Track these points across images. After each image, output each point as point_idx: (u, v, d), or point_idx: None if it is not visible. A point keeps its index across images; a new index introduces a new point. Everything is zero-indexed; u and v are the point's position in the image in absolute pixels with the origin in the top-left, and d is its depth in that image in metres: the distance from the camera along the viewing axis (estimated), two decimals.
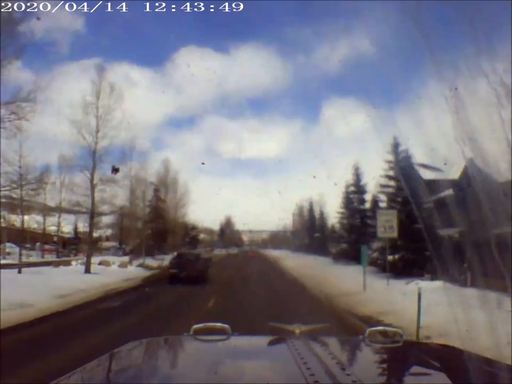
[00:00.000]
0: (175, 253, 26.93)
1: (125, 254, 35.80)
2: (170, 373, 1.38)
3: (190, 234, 61.00)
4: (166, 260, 33.42)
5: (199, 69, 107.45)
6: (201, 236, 76.69)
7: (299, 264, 33.35)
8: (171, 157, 76.56)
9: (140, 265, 26.63)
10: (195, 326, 1.77)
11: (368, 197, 30.74)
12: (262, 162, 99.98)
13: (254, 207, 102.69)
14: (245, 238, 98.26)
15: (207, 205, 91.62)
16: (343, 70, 58.72)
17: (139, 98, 67.80)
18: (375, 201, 29.30)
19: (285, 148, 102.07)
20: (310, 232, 53.05)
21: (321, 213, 51.65)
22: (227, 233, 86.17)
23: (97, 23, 65.84)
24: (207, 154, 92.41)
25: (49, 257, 38.12)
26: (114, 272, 22.19)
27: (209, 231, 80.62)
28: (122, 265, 25.15)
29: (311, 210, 56.35)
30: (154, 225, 36.63)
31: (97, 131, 21.48)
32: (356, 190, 31.94)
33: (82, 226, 45.51)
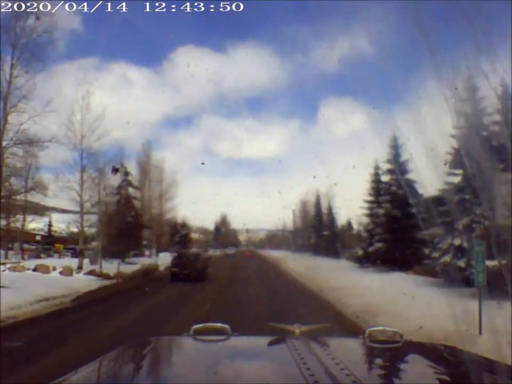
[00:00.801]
0: (177, 252, 24.71)
1: (74, 255, 27.59)
2: (170, 373, 1.35)
3: (179, 232, 52.40)
4: (138, 264, 25.14)
5: (197, 68, 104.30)
6: (197, 235, 69.03)
7: (308, 268, 25.66)
8: (168, 157, 72.36)
9: (91, 272, 18.78)
10: (195, 326, 1.73)
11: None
12: (260, 162, 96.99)
13: (253, 207, 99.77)
14: (242, 238, 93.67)
15: (206, 204, 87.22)
16: (343, 69, 58.06)
17: (137, 97, 68.46)
18: (407, 185, 20.91)
19: (284, 147, 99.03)
20: (317, 230, 44.68)
21: (330, 208, 43.25)
22: (222, 233, 78.12)
23: (96, 23, 67.46)
24: (205, 154, 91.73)
25: (14, 259, 31.41)
26: (43, 282, 14.79)
27: (204, 231, 75.27)
28: (66, 271, 18.24)
29: (318, 204, 47.97)
30: (123, 219, 27.92)
31: (13, 66, 13.48)
32: (395, 169, 22.81)
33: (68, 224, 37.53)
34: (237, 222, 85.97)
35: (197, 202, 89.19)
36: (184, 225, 53.04)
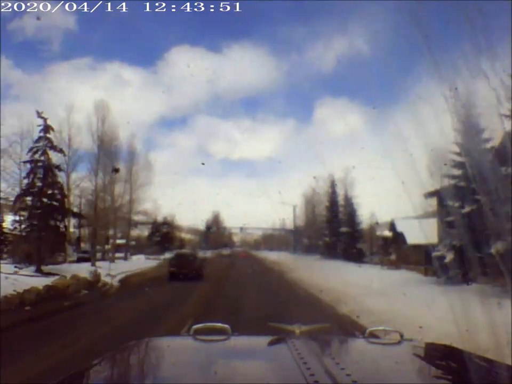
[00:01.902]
0: (174, 253, 24.10)
1: None
2: (170, 373, 1.35)
3: (160, 231, 44.00)
4: (61, 275, 15.46)
5: (195, 68, 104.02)
6: (189, 236, 66.74)
7: (343, 283, 15.55)
8: (163, 157, 72.65)
9: None
10: (195, 326, 1.74)
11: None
12: (257, 162, 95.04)
13: (250, 207, 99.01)
14: (236, 238, 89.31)
15: (205, 205, 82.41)
16: (342, 69, 56.84)
17: (133, 97, 67.73)
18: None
19: (282, 148, 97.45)
20: (332, 226, 35.35)
21: (347, 198, 34.22)
22: (214, 232, 69.88)
23: (96, 23, 68.51)
24: (201, 154, 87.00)
25: None
26: None
27: (197, 231, 70.20)
28: None
29: (333, 193, 36.92)
30: (37, 200, 17.70)
31: None
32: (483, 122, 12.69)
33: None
34: (235, 223, 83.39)
35: (194, 203, 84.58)
36: (166, 223, 44.62)
